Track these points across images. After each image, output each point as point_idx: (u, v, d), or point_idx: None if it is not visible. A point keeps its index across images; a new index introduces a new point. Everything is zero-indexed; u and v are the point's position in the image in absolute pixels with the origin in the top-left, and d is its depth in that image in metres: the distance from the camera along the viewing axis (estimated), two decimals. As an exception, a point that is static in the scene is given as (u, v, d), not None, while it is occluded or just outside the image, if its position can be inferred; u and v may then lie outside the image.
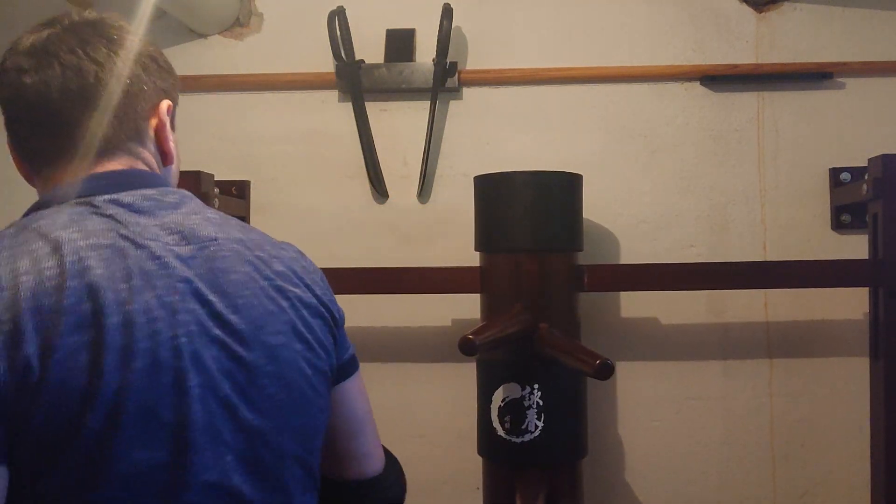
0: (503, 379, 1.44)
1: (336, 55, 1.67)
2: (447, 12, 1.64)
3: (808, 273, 1.51)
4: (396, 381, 1.69)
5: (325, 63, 1.71)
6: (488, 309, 1.50)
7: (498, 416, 1.44)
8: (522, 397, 1.42)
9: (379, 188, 1.69)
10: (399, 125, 1.71)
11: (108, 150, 0.81)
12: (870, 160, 1.50)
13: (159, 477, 0.70)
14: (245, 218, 1.71)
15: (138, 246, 0.74)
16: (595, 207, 1.64)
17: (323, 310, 0.85)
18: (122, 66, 0.81)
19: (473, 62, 1.71)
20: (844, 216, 1.63)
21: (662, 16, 1.69)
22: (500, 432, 1.44)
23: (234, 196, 1.69)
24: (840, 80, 1.66)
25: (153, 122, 0.85)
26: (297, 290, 0.82)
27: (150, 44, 0.87)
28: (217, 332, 0.75)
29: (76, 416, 0.67)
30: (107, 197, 0.77)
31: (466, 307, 1.60)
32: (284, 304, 0.80)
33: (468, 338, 1.27)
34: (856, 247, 1.60)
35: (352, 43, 1.67)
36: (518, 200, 1.45)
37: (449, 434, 1.66)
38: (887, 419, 1.43)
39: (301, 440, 0.81)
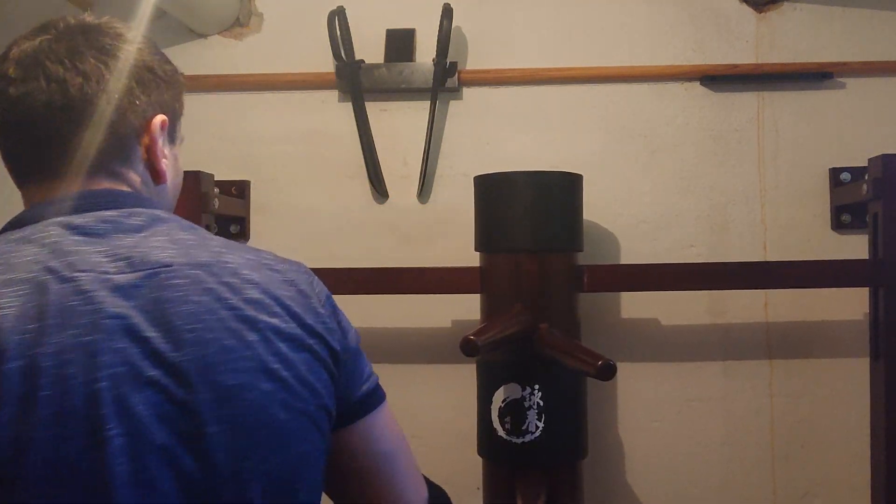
0: (503, 379, 1.44)
1: (336, 55, 1.67)
2: (447, 12, 1.64)
3: (808, 273, 1.51)
4: (396, 382, 1.67)
5: (325, 63, 1.71)
6: (488, 309, 1.50)
7: (498, 416, 1.44)
8: (523, 398, 1.42)
9: (379, 188, 1.69)
10: (399, 125, 1.71)
11: (87, 169, 0.76)
12: (870, 160, 1.50)
13: None
14: (245, 218, 1.71)
15: (64, 280, 0.66)
16: (595, 207, 1.64)
17: (313, 342, 0.75)
18: (112, 79, 0.76)
19: (473, 62, 1.70)
20: (844, 216, 1.63)
21: (662, 16, 1.69)
22: (501, 433, 1.44)
23: (234, 196, 1.68)
24: (840, 80, 1.66)
25: (144, 139, 0.79)
26: (273, 321, 0.72)
27: (153, 52, 0.81)
28: (153, 373, 0.65)
29: None
30: (60, 220, 0.72)
31: (466, 307, 1.60)
32: (251, 337, 0.70)
33: (469, 338, 1.27)
34: (856, 247, 1.60)
35: (352, 43, 1.67)
36: (518, 200, 1.45)
37: (449, 435, 1.66)
38: (887, 419, 1.43)
39: (276, 492, 0.71)
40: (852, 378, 1.60)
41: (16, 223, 0.74)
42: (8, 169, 0.79)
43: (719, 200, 1.67)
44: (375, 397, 0.83)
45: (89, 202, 0.74)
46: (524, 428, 1.42)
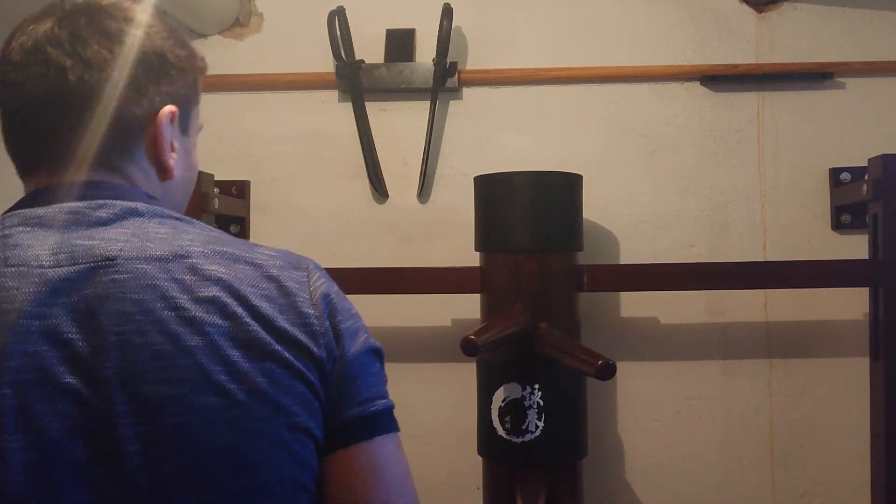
0: (503, 379, 1.44)
1: (336, 55, 1.67)
2: (447, 12, 1.64)
3: (808, 273, 1.51)
4: (396, 382, 1.67)
5: (325, 63, 1.71)
6: (488, 309, 1.50)
7: (498, 416, 1.44)
8: (523, 397, 1.42)
9: (379, 188, 1.69)
10: (399, 125, 1.71)
11: (84, 162, 0.70)
12: (870, 160, 1.50)
13: None
14: (245, 218, 1.71)
15: None
16: (595, 207, 1.64)
17: (282, 348, 0.63)
18: (116, 67, 0.69)
19: (473, 62, 1.71)
20: (844, 216, 1.63)
21: (662, 16, 1.69)
22: (501, 432, 1.44)
23: (234, 196, 1.69)
24: (840, 80, 1.66)
25: (149, 131, 0.72)
26: (225, 323, 0.61)
27: (165, 35, 0.74)
28: (69, 379, 0.58)
29: None
30: (23, 211, 0.67)
31: (466, 307, 1.60)
32: (192, 342, 0.60)
33: (470, 338, 1.27)
34: (856, 247, 1.60)
35: (352, 43, 1.67)
36: (518, 200, 1.45)
37: (449, 434, 1.66)
38: (887, 419, 1.43)
39: None
40: (852, 378, 1.60)
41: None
42: (11, 159, 0.75)
43: (719, 200, 1.67)
44: (376, 424, 0.68)
45: (61, 194, 0.68)
46: (524, 427, 1.42)
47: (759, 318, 1.66)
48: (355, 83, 1.68)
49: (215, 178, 1.57)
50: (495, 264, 1.49)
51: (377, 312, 1.68)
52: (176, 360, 0.59)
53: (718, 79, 1.66)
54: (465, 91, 1.71)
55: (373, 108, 1.70)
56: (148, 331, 0.60)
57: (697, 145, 1.67)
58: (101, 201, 0.68)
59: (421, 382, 1.68)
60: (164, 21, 0.76)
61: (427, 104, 1.68)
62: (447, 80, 1.67)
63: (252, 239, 1.71)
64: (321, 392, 0.65)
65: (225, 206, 1.60)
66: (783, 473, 1.65)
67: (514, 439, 1.43)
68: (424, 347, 1.69)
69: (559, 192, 1.47)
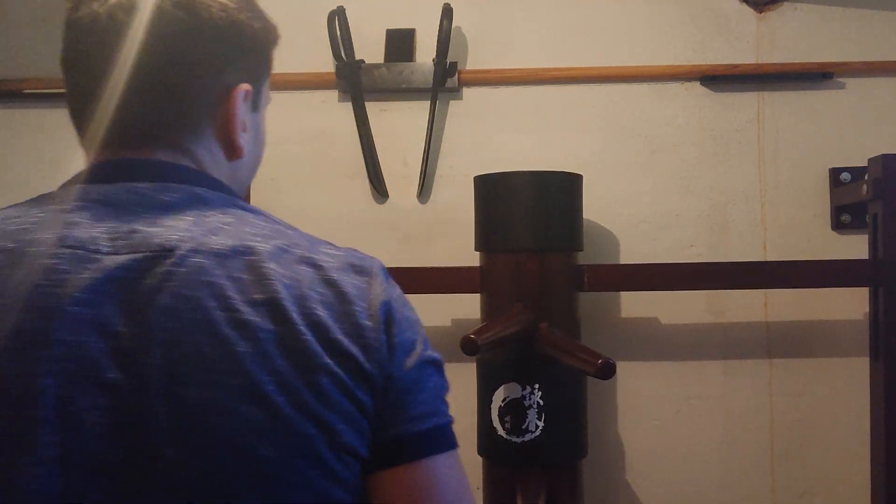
0: (503, 379, 1.44)
1: (336, 55, 1.67)
2: (447, 12, 1.64)
3: (808, 273, 1.51)
4: (396, 381, 1.68)
5: (325, 63, 1.71)
6: (488, 309, 1.50)
7: (498, 415, 1.44)
8: (523, 397, 1.42)
9: (379, 188, 1.69)
10: (399, 125, 1.71)
11: (147, 139, 0.67)
12: (870, 160, 1.50)
13: None
14: (245, 218, 1.71)
15: (42, 254, 0.57)
16: (595, 207, 1.64)
17: (333, 361, 0.58)
18: (191, 42, 0.66)
19: (473, 62, 1.71)
20: (844, 216, 1.63)
21: (662, 16, 1.69)
22: (501, 432, 1.44)
23: (234, 196, 1.68)
24: (840, 80, 1.66)
25: (222, 110, 0.68)
26: (280, 329, 0.58)
27: (244, 9, 0.70)
28: (113, 375, 0.55)
29: None
30: (83, 186, 0.64)
31: (466, 307, 1.60)
32: (241, 347, 0.56)
33: (470, 338, 1.27)
34: (856, 247, 1.60)
35: (352, 43, 1.67)
36: (518, 200, 1.45)
37: (449, 434, 1.66)
38: (887, 419, 1.43)
39: None
40: (852, 378, 1.60)
41: (62, 185, 0.68)
42: (75, 130, 0.72)
43: (719, 200, 1.67)
44: (427, 442, 0.63)
45: (127, 172, 0.65)
46: (524, 427, 1.42)
47: (759, 318, 1.66)
48: (355, 83, 1.68)
49: (215, 178, 1.57)
50: (495, 264, 1.49)
51: (377, 312, 1.68)
52: (222, 364, 0.56)
53: (718, 79, 1.66)
54: (465, 91, 1.71)
55: (373, 108, 1.70)
56: (197, 331, 0.56)
57: (697, 145, 1.67)
58: (166, 184, 0.64)
59: (421, 382, 1.68)
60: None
61: (427, 104, 1.68)
62: (447, 80, 1.67)
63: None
64: (370, 409, 0.61)
65: (225, 206, 1.60)
66: (783, 473, 1.65)
67: (514, 439, 1.43)
68: (424, 347, 1.69)
69: (559, 192, 1.47)
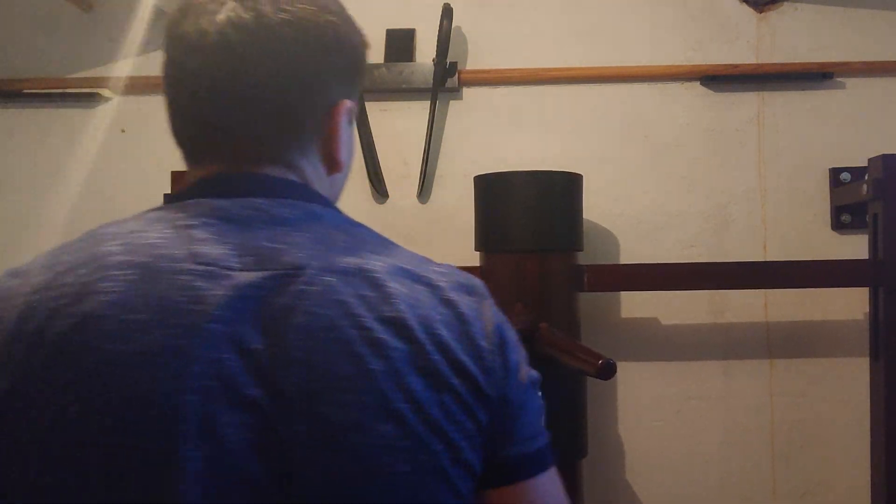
0: (503, 379, 1.44)
1: (336, 55, 1.67)
2: (447, 12, 1.64)
3: (808, 273, 1.50)
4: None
5: (325, 63, 1.71)
6: (488, 309, 1.50)
7: (498, 416, 1.44)
8: (523, 397, 1.42)
9: (379, 188, 1.69)
10: (399, 125, 1.71)
11: (258, 155, 0.67)
12: (870, 160, 1.50)
13: None
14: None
15: (178, 270, 0.57)
16: (595, 207, 1.64)
17: (458, 382, 0.59)
18: (301, 58, 0.66)
19: (473, 62, 1.71)
20: (844, 216, 1.63)
21: (662, 16, 1.69)
22: (501, 432, 1.43)
23: (234, 196, 1.68)
24: (840, 80, 1.66)
25: (326, 127, 0.69)
26: (410, 348, 0.58)
27: (347, 24, 0.71)
28: (253, 392, 0.55)
29: (30, 474, 0.54)
30: (202, 201, 0.63)
31: (466, 307, 1.60)
32: (375, 365, 0.57)
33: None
34: (856, 247, 1.60)
35: (352, 43, 1.67)
36: (518, 200, 1.45)
37: (449, 434, 1.66)
38: (887, 419, 1.43)
39: None
40: (852, 378, 1.61)
41: (167, 200, 0.67)
42: (178, 145, 0.71)
43: (719, 200, 1.67)
44: (537, 463, 0.66)
45: (243, 186, 0.65)
46: (524, 428, 1.42)
47: (759, 319, 1.66)
48: (355, 83, 1.68)
49: (215, 178, 1.57)
50: (495, 264, 1.49)
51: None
52: (359, 382, 0.56)
53: (718, 79, 1.66)
54: (465, 91, 1.71)
55: (373, 108, 1.70)
56: (332, 349, 0.56)
57: (697, 145, 1.67)
58: (281, 199, 0.64)
59: (421, 382, 1.68)
60: (341, 5, 0.72)
61: (427, 104, 1.68)
62: (447, 80, 1.67)
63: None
64: (486, 428, 0.62)
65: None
66: (784, 474, 1.65)
67: (515, 439, 1.42)
68: (424, 347, 1.69)
69: (559, 191, 1.47)
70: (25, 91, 1.70)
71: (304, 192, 0.67)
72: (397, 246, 0.67)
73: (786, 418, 1.65)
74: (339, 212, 0.69)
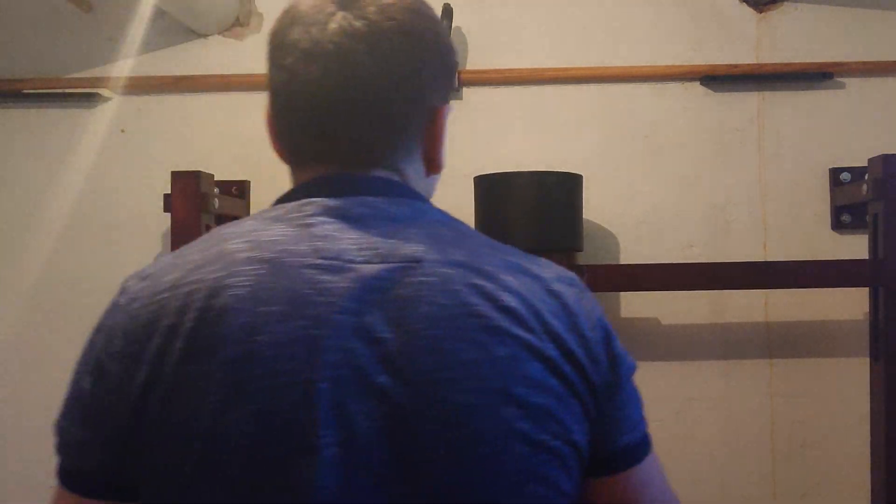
0: (503, 379, 1.44)
1: (336, 55, 1.67)
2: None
3: (808, 273, 1.50)
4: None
5: (325, 63, 1.71)
6: (488, 309, 1.50)
7: (498, 416, 1.44)
8: (523, 397, 1.42)
9: (379, 188, 1.69)
10: (399, 125, 1.71)
11: (366, 157, 0.69)
12: (870, 160, 1.50)
13: None
14: (245, 218, 1.71)
15: (304, 265, 0.60)
16: (595, 207, 1.64)
17: (568, 369, 0.62)
18: (409, 64, 0.68)
19: (473, 62, 1.70)
20: (844, 216, 1.63)
21: (662, 16, 1.69)
22: (501, 432, 1.43)
23: (234, 196, 1.68)
24: (840, 80, 1.66)
25: (429, 130, 0.72)
26: (528, 336, 0.61)
27: (442, 29, 0.73)
28: (382, 379, 0.57)
29: (173, 461, 0.57)
30: (317, 200, 0.66)
31: (466, 307, 1.60)
32: (499, 351, 0.59)
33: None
34: (856, 247, 1.60)
35: (352, 43, 1.67)
36: (518, 201, 1.45)
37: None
38: (887, 419, 1.43)
39: None
40: (852, 378, 1.60)
41: (278, 200, 0.70)
42: (279, 149, 0.74)
43: (719, 200, 1.67)
44: (641, 450, 0.71)
45: (355, 187, 0.67)
46: (524, 428, 1.42)
47: (759, 319, 1.65)
48: (355, 83, 1.68)
49: (215, 178, 1.57)
50: (495, 264, 1.49)
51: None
52: (483, 369, 0.59)
53: (718, 79, 1.66)
54: (466, 91, 1.71)
55: (373, 108, 1.70)
56: (456, 336, 0.59)
57: (697, 145, 1.67)
58: (392, 198, 0.67)
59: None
60: (433, 10, 0.73)
61: (427, 104, 1.68)
62: (447, 80, 1.67)
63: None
64: (594, 416, 0.65)
65: (225, 206, 1.60)
66: (783, 474, 1.65)
67: (515, 439, 1.42)
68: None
69: (559, 192, 1.47)
70: (25, 91, 1.70)
71: (409, 192, 0.70)
72: (497, 242, 0.70)
73: (786, 418, 1.65)
74: (440, 210, 0.71)
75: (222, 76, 1.71)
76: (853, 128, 1.65)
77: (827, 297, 1.63)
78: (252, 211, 1.72)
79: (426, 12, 0.71)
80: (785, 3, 1.67)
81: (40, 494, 1.76)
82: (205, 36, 1.73)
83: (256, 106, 1.72)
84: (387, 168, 0.70)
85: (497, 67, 1.69)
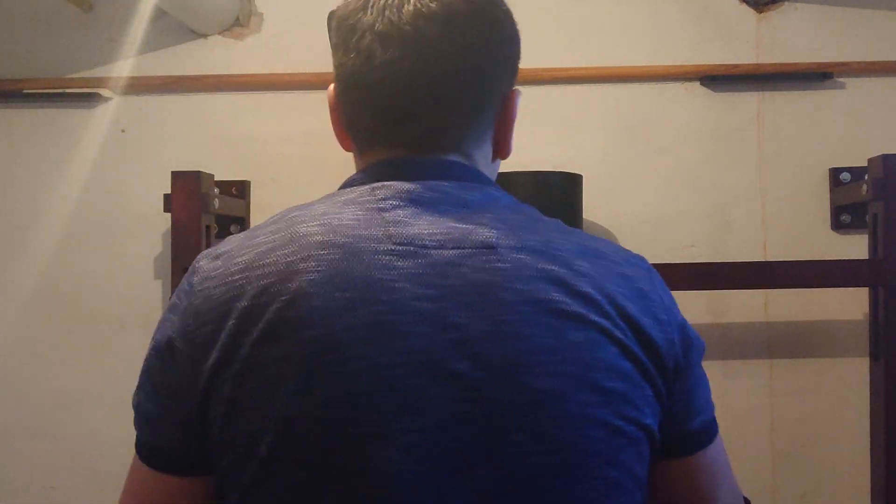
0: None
1: (336, 55, 1.67)
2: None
3: (808, 273, 1.51)
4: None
5: (325, 63, 1.70)
6: (488, 309, 1.50)
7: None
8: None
9: (379, 188, 1.69)
10: (399, 125, 1.71)
11: (439, 141, 0.69)
12: (870, 160, 1.50)
13: None
14: (245, 218, 1.71)
15: (378, 251, 0.59)
16: (595, 207, 1.64)
17: (642, 353, 0.62)
18: (484, 51, 0.68)
19: (473, 62, 1.70)
20: (844, 216, 1.63)
21: (662, 16, 1.68)
22: (501, 432, 1.43)
23: (234, 196, 1.69)
24: (840, 80, 1.66)
25: (501, 115, 0.72)
26: (603, 322, 0.61)
27: (511, 17, 0.72)
28: (458, 366, 0.57)
29: (247, 442, 0.57)
30: (390, 184, 0.65)
31: (466, 307, 1.60)
32: (575, 336, 0.59)
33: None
34: (856, 247, 1.60)
35: (352, 43, 1.67)
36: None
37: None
38: (887, 419, 1.43)
39: None
40: (852, 378, 1.60)
41: (347, 184, 0.71)
42: (346, 130, 0.74)
43: (719, 200, 1.67)
44: (711, 431, 0.71)
45: (427, 171, 0.67)
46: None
47: (759, 319, 1.65)
48: (355, 83, 1.68)
49: (215, 178, 1.57)
50: (495, 264, 1.49)
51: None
52: (561, 354, 0.59)
53: (718, 79, 1.66)
54: (465, 91, 1.71)
55: (373, 108, 1.70)
56: (534, 322, 0.59)
57: (698, 145, 1.67)
58: (464, 183, 0.67)
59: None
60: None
61: (427, 104, 1.68)
62: (447, 80, 1.67)
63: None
64: (665, 398, 0.65)
65: (225, 207, 1.60)
66: (783, 474, 1.65)
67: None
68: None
69: (559, 192, 1.47)
70: (25, 91, 1.70)
71: (480, 176, 0.70)
72: (569, 227, 0.69)
73: (785, 418, 1.65)
74: (509, 195, 0.71)
75: (222, 76, 1.71)
76: (853, 128, 1.65)
77: (827, 297, 1.63)
78: (252, 210, 1.72)
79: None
80: (785, 3, 1.67)
81: (41, 494, 1.77)
82: (205, 36, 1.73)
83: (256, 106, 1.73)
84: (457, 152, 0.69)
85: (497, 67, 1.69)
